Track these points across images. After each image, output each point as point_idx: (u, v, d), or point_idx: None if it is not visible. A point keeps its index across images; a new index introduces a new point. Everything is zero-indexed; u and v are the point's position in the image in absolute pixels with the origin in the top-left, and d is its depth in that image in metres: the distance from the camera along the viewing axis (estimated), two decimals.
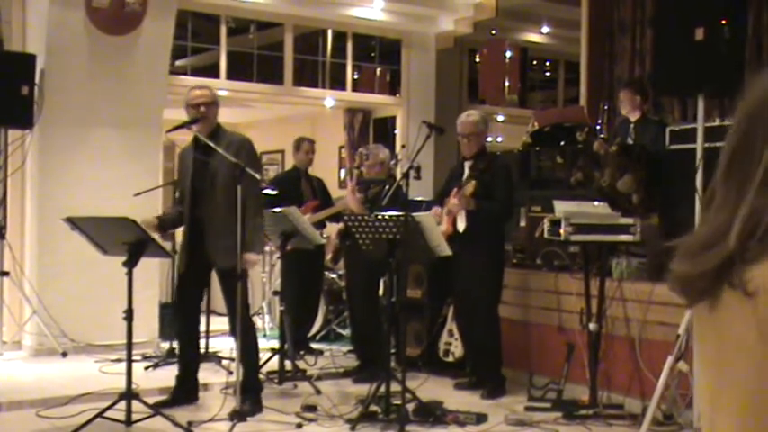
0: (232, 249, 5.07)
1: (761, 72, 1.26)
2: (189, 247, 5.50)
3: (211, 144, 5.32)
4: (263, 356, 6.27)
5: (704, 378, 1.26)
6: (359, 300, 6.67)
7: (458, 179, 6.09)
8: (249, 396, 5.29)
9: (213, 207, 5.41)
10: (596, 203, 5.66)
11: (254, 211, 5.37)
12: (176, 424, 4.96)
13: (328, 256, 7.76)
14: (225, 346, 6.94)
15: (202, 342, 6.95)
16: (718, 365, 1.19)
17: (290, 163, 9.05)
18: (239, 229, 4.99)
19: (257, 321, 8.04)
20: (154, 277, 7.49)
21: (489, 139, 6.63)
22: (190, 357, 5.74)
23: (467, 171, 6.07)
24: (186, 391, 5.65)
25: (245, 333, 5.20)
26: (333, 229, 7.33)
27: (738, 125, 1.21)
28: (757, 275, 1.09)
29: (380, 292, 6.76)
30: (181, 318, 5.73)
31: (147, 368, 6.68)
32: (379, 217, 5.31)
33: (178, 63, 9.53)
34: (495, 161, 6.14)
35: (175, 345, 6.19)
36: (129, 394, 4.96)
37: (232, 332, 5.50)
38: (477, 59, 11.22)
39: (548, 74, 12.62)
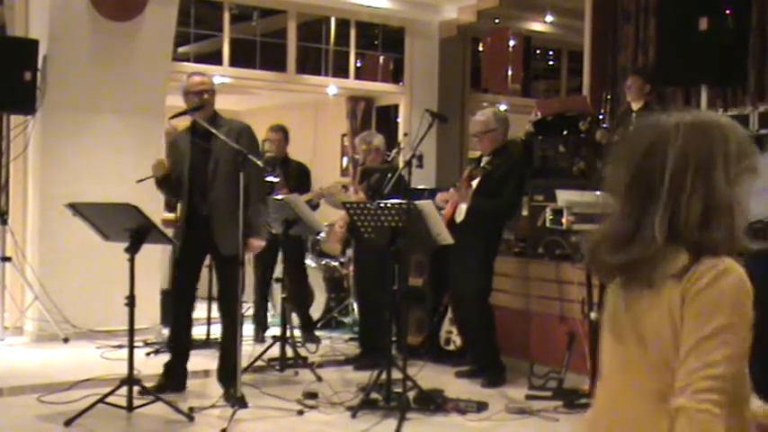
0: (237, 237, 5.05)
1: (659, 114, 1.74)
2: (185, 234, 5.48)
3: (213, 130, 5.28)
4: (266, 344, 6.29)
5: (623, 344, 1.73)
6: (370, 288, 6.58)
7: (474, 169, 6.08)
8: (232, 380, 5.17)
9: (216, 195, 5.35)
10: (599, 193, 5.65)
11: (257, 197, 5.34)
12: (178, 410, 4.97)
13: (335, 245, 7.75)
14: None
15: (203, 329, 6.97)
16: (648, 332, 1.68)
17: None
18: (241, 216, 4.98)
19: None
20: (155, 263, 7.48)
21: None
22: (183, 345, 5.69)
23: (483, 163, 6.05)
24: (175, 379, 5.60)
25: (236, 318, 5.15)
26: (335, 217, 7.31)
27: (635, 158, 1.69)
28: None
29: None
30: (177, 304, 5.71)
31: (148, 354, 6.68)
32: (381, 205, 5.30)
33: (181, 50, 9.51)
34: (511, 161, 6.10)
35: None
36: (131, 380, 4.98)
37: (222, 316, 5.51)
38: (481, 48, 11.20)
39: (551, 63, 12.58)
